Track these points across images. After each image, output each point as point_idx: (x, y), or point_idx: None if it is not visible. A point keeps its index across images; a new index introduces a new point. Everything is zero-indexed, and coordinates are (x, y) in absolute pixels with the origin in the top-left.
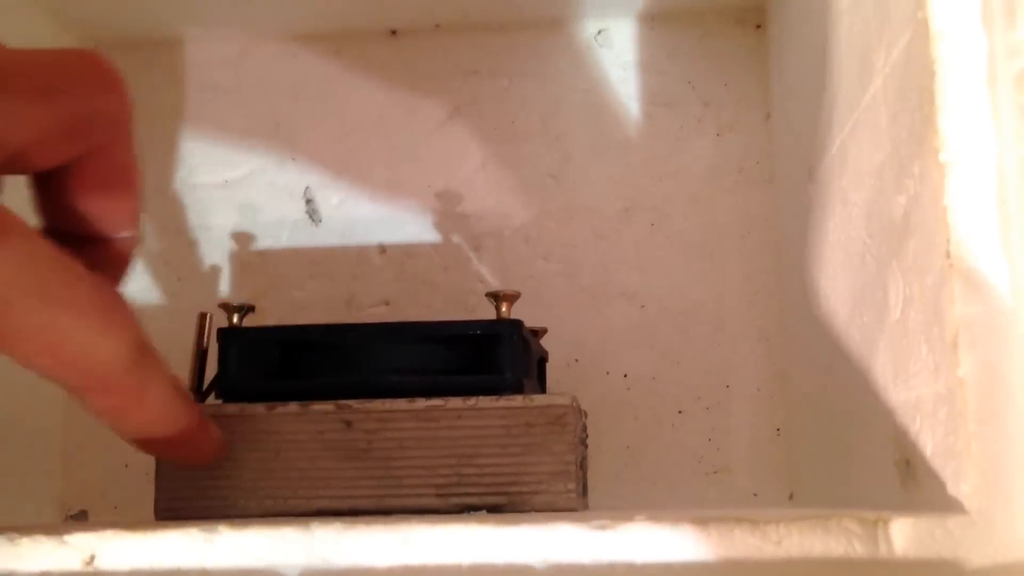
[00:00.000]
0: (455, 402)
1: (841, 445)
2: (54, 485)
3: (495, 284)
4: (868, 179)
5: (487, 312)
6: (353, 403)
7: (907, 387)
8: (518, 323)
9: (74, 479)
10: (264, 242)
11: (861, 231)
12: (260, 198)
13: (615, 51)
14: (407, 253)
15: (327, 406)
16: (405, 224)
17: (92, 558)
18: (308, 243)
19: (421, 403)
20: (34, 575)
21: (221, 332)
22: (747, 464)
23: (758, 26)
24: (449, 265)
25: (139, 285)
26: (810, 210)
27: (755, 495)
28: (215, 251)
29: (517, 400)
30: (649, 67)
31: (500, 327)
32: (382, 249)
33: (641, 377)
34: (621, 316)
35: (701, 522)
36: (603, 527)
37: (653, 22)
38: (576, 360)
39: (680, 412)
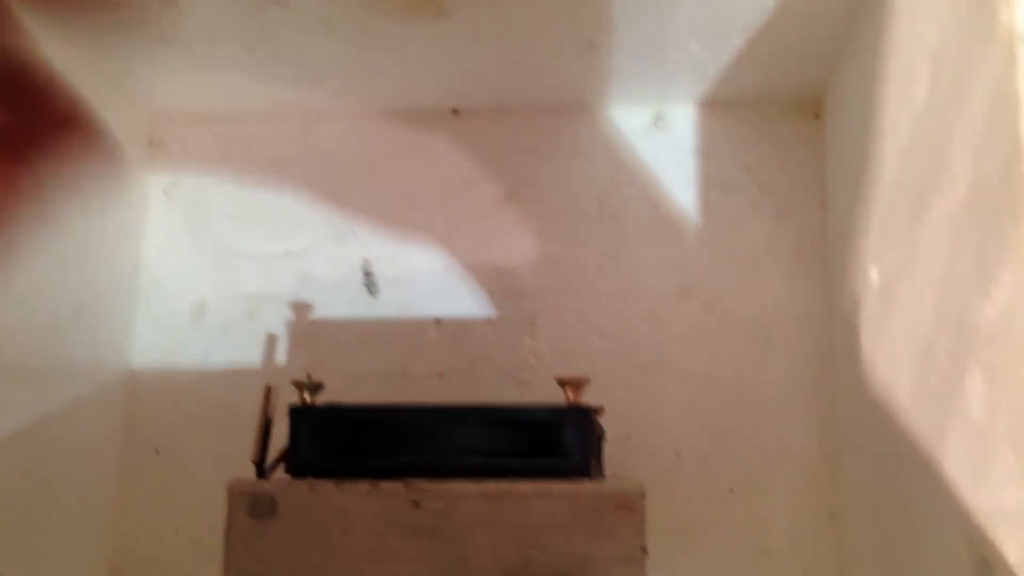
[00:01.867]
0: (523, 485)
1: (900, 534)
2: (105, 549)
3: (549, 361)
4: (943, 279)
5: (540, 387)
6: (422, 483)
7: (988, 490)
8: (587, 409)
9: (124, 543)
10: (322, 312)
11: (932, 328)
12: (319, 269)
13: (673, 135)
14: (462, 327)
15: (396, 485)
16: (461, 299)
17: None
18: (365, 314)
19: (489, 485)
20: None
21: (292, 409)
22: (797, 547)
23: (816, 115)
24: (504, 340)
25: (198, 350)
26: (870, 300)
27: None
28: (273, 319)
29: (585, 485)
30: (706, 151)
31: (570, 413)
32: (438, 322)
33: (693, 456)
34: (675, 395)
35: None
36: None
37: (712, 108)
38: (629, 437)
39: (731, 491)
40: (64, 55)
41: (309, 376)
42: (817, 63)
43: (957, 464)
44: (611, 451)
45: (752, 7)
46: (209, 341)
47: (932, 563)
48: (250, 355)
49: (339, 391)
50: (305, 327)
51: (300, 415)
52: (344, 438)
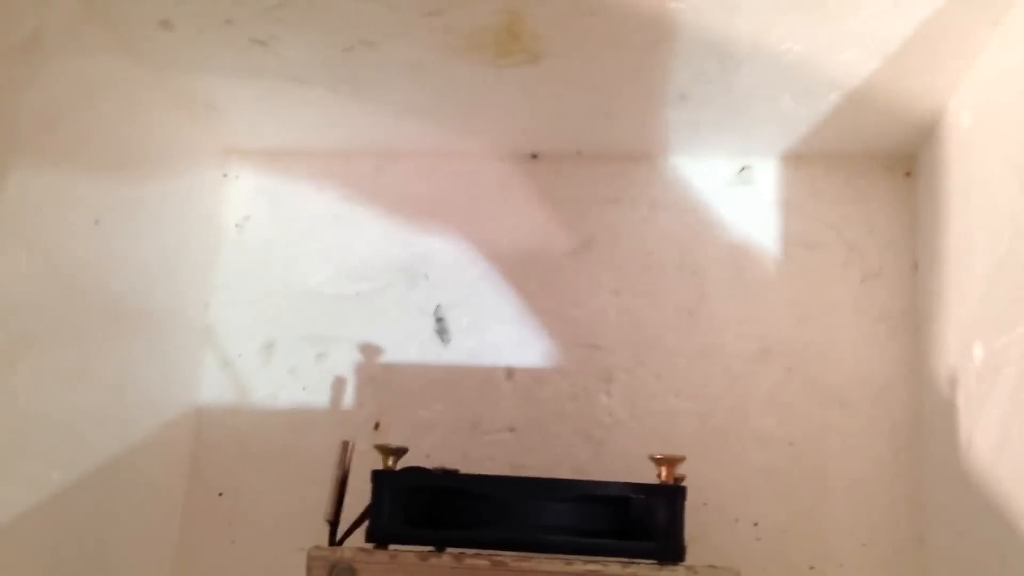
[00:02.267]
0: (614, 567)
1: None
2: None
3: (623, 419)
4: None
5: (615, 446)
6: (508, 559)
7: None
8: (682, 490)
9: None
10: (392, 356)
11: None
12: (390, 313)
13: (758, 188)
14: (535, 379)
15: (482, 561)
16: (535, 350)
17: None
18: (436, 361)
19: (579, 566)
20: None
21: (375, 474)
22: None
23: (907, 174)
24: (578, 395)
25: (265, 392)
26: (973, 378)
27: None
28: (342, 362)
29: (680, 571)
30: (792, 207)
31: (664, 492)
32: (510, 373)
33: (772, 528)
34: (754, 461)
35: None
36: None
37: (798, 162)
38: (705, 504)
39: (812, 568)
40: (148, 83)
41: (378, 425)
42: (913, 123)
43: None
44: (687, 519)
45: (853, 66)
46: (277, 381)
47: None
48: (318, 397)
49: (407, 439)
50: (374, 371)
51: (383, 480)
52: (427, 507)
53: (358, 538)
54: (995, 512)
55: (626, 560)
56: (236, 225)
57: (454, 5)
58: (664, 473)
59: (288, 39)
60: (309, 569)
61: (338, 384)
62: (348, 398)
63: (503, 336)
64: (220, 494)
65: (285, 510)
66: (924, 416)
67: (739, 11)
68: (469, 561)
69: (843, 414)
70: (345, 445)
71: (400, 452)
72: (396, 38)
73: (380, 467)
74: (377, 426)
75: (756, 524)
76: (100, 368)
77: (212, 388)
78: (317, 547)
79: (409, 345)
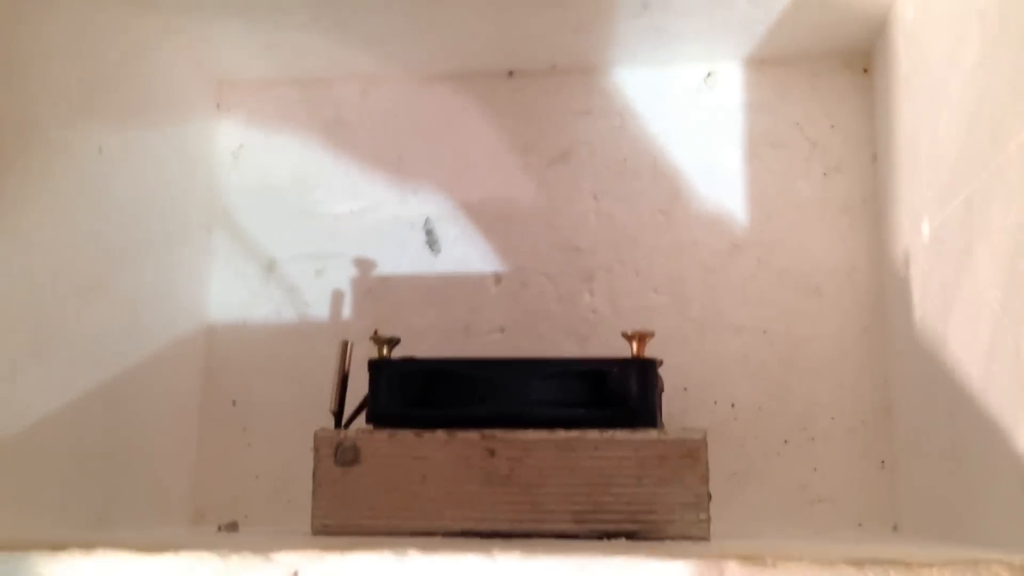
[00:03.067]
0: (593, 434)
1: (953, 481)
2: (188, 494)
3: (607, 315)
4: (1001, 237)
5: (599, 341)
6: (497, 432)
7: None
8: (652, 361)
9: (206, 488)
10: (386, 269)
11: (991, 285)
12: (382, 228)
13: (724, 92)
14: (521, 283)
15: (472, 435)
16: (520, 255)
17: (295, 573)
18: (428, 271)
19: (561, 434)
20: None
21: (372, 363)
22: (850, 495)
23: (864, 70)
24: (563, 296)
25: (269, 307)
26: (923, 255)
27: (860, 525)
28: (340, 277)
29: (652, 434)
30: (757, 108)
31: (636, 365)
32: (498, 279)
33: (748, 407)
34: (729, 348)
35: (857, 564)
36: (767, 565)
37: (761, 65)
38: (685, 389)
39: (786, 442)
40: (142, 23)
41: (377, 332)
42: (865, 20)
43: (1012, 416)
44: (668, 403)
45: None
46: (279, 298)
47: (985, 506)
48: (318, 311)
49: (404, 343)
50: (370, 284)
51: (380, 368)
52: (421, 390)
53: (359, 425)
54: (948, 377)
55: (604, 429)
56: (232, 153)
57: None
58: (635, 348)
59: None
60: (316, 448)
61: (337, 297)
62: (347, 310)
63: (489, 244)
64: (234, 402)
65: (294, 414)
66: (886, 297)
67: None
68: (461, 435)
69: (811, 300)
70: (345, 345)
71: (394, 342)
72: None
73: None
74: (375, 333)
75: (733, 405)
76: (114, 285)
77: (220, 306)
78: (323, 428)
79: (401, 258)
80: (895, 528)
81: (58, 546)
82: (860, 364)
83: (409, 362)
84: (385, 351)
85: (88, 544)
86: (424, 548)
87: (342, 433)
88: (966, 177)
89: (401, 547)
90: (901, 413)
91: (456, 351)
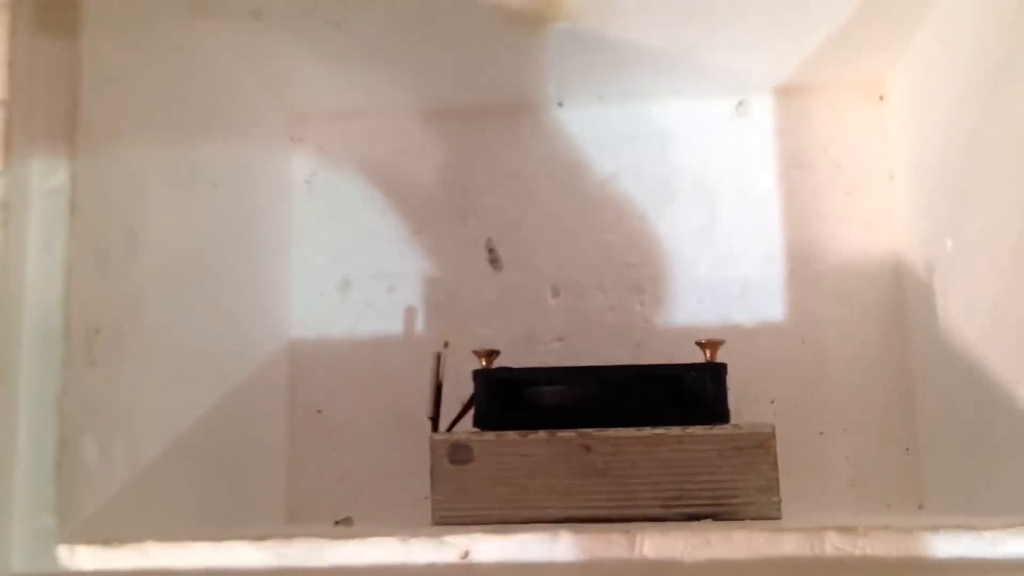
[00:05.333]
0: (675, 430)
1: (975, 463)
2: (282, 496)
3: (656, 324)
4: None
5: (649, 348)
6: (591, 431)
7: None
8: (724, 366)
9: (298, 490)
10: (452, 286)
11: (1014, 290)
12: (448, 248)
13: (754, 119)
14: (577, 295)
15: (570, 434)
16: (575, 270)
17: (467, 553)
18: (491, 287)
19: (647, 431)
20: (422, 566)
21: (476, 373)
22: (879, 480)
23: (880, 97)
24: (615, 306)
25: (347, 323)
26: (944, 264)
27: (889, 505)
28: (410, 294)
29: (727, 428)
30: (785, 133)
31: (711, 369)
32: (555, 292)
33: (786, 403)
34: (768, 349)
35: (933, 529)
36: (859, 534)
37: (788, 94)
38: (730, 388)
39: (821, 433)
40: (231, 59)
41: (447, 344)
42: (881, 53)
43: None
44: None
45: (834, 9)
46: (355, 314)
47: (1003, 486)
48: (391, 325)
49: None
50: (438, 299)
51: (482, 377)
52: (520, 396)
53: (465, 428)
54: (967, 372)
55: (683, 425)
56: (305, 181)
57: None
58: (708, 354)
59: (357, 19)
60: (433, 450)
61: (408, 312)
62: (419, 323)
63: (547, 261)
64: (319, 411)
65: (374, 421)
66: (907, 303)
67: None
68: (560, 435)
69: (840, 306)
70: (437, 355)
71: (494, 354)
72: (451, 14)
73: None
74: (446, 344)
75: (772, 402)
76: (215, 304)
77: (300, 324)
78: (440, 433)
79: (466, 275)
80: (921, 507)
81: (262, 536)
82: (885, 363)
83: (508, 371)
84: (485, 363)
85: (261, 536)
86: (574, 530)
87: (454, 435)
88: (981, 193)
89: (553, 530)
90: (922, 405)
91: (519, 359)
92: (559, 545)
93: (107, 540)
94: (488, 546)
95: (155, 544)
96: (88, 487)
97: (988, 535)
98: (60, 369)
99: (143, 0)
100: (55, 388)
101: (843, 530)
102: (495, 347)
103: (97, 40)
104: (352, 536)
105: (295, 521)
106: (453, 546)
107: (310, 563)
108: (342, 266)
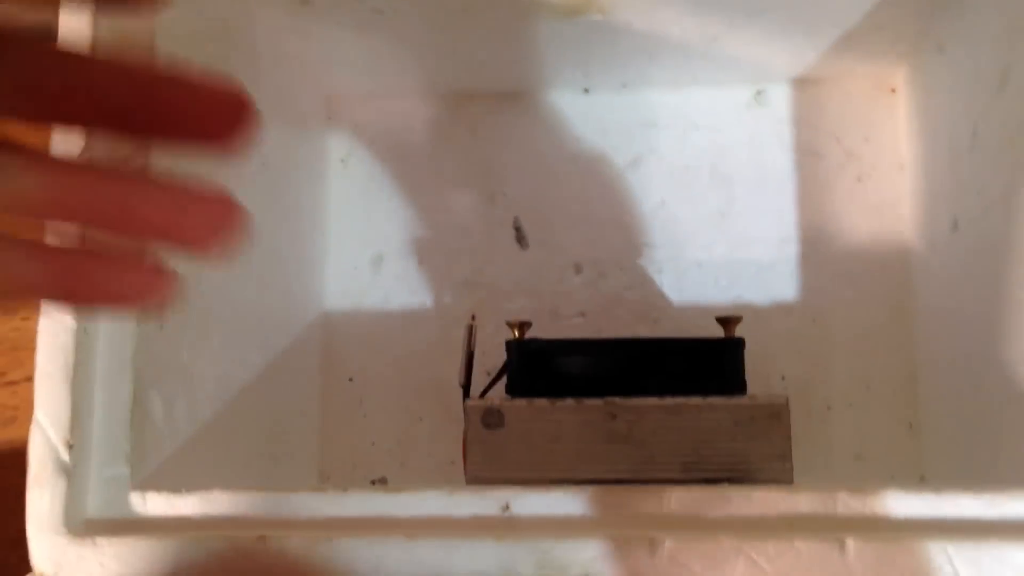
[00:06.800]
0: (695, 400)
1: (971, 440)
2: (314, 458)
3: (674, 300)
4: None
5: (668, 323)
6: (616, 399)
7: None
8: (742, 341)
9: (329, 453)
10: (480, 262)
11: (1015, 274)
12: (476, 225)
13: (771, 108)
14: (599, 273)
15: (596, 402)
16: (597, 249)
17: (507, 506)
18: (517, 263)
19: (669, 400)
20: (466, 517)
21: (509, 343)
22: (883, 454)
23: (892, 90)
24: (635, 284)
25: (378, 297)
26: (949, 249)
27: (892, 477)
28: (439, 269)
29: (744, 399)
30: (800, 122)
31: (730, 343)
32: (578, 268)
33: (796, 379)
34: (780, 328)
35: (937, 491)
36: (869, 493)
37: (803, 85)
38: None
39: (828, 408)
40: (274, 40)
41: (474, 317)
42: (895, 48)
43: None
44: None
45: (849, 7)
46: (387, 286)
47: (999, 460)
48: (421, 298)
49: (499, 326)
50: (466, 274)
51: (515, 347)
52: (550, 365)
53: (497, 394)
54: (968, 352)
55: (703, 395)
56: (341, 160)
57: None
58: (727, 330)
59: (400, 8)
60: (467, 414)
61: (439, 286)
62: (448, 297)
63: (571, 240)
64: (350, 379)
65: (403, 390)
66: (912, 285)
67: None
68: (587, 402)
69: (849, 287)
70: (470, 327)
71: (526, 325)
72: (493, 4)
73: (509, 338)
74: (474, 318)
75: (783, 378)
76: (257, 277)
77: (333, 296)
78: (472, 398)
79: (494, 251)
80: (922, 479)
81: (318, 488)
82: (890, 342)
83: (540, 342)
84: (517, 333)
85: (318, 488)
86: (606, 488)
87: (488, 400)
88: (988, 184)
89: (585, 487)
90: (924, 382)
91: (543, 332)
92: (592, 500)
93: (176, 488)
94: (527, 500)
95: (221, 492)
96: (155, 440)
97: (987, 496)
98: (135, 330)
99: None
100: (131, 347)
101: (853, 490)
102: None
103: (163, 20)
104: (401, 490)
105: (328, 482)
106: (495, 499)
107: (365, 512)
108: (375, 242)
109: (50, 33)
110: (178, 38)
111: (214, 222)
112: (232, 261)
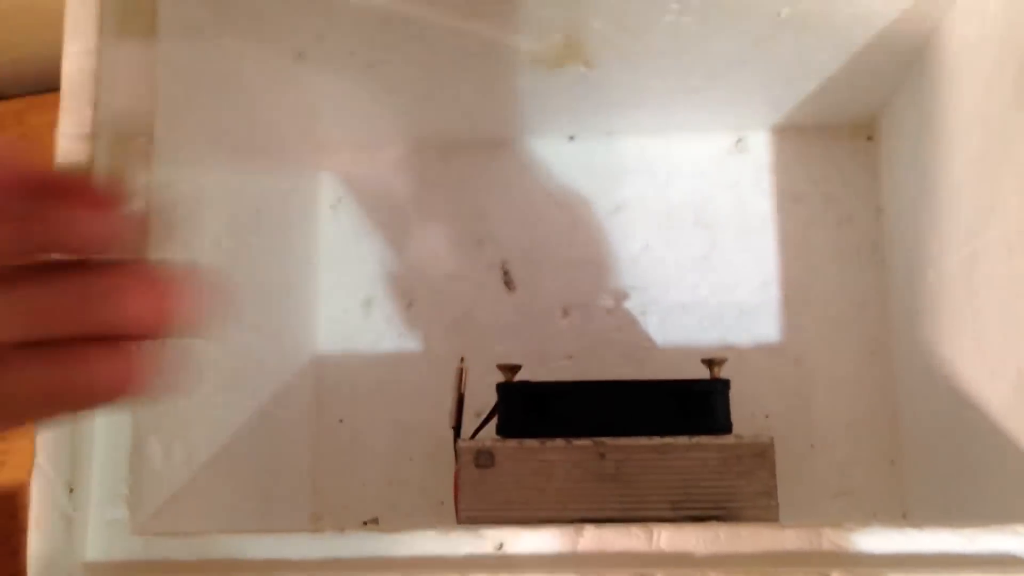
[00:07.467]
0: (683, 439)
1: (952, 477)
2: (307, 500)
3: (658, 342)
4: (1002, 280)
5: (653, 365)
6: (605, 439)
7: None
8: (727, 382)
9: (322, 494)
10: (468, 304)
11: (993, 320)
12: (464, 269)
13: (752, 155)
14: (586, 316)
15: (585, 442)
16: (583, 293)
17: (501, 545)
18: (505, 306)
19: (657, 440)
20: (460, 557)
21: (499, 385)
22: (866, 489)
23: (869, 138)
24: (622, 326)
25: (369, 340)
26: (929, 294)
27: (874, 514)
28: (429, 312)
29: (730, 438)
30: (780, 169)
31: (716, 384)
32: (565, 312)
33: (780, 418)
34: (763, 369)
35: (919, 526)
36: (851, 530)
37: (783, 132)
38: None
39: (812, 446)
40: (269, 91)
41: (463, 360)
42: (872, 97)
43: (1011, 419)
44: None
45: (828, 57)
46: (377, 330)
47: (979, 497)
48: (411, 342)
49: (488, 368)
50: (456, 317)
51: (505, 389)
52: (540, 407)
53: (487, 435)
54: (948, 392)
55: (690, 435)
56: (331, 206)
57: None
58: (713, 370)
59: (392, 61)
60: (459, 455)
61: (427, 329)
62: (436, 340)
63: (558, 283)
64: (341, 420)
65: (393, 431)
66: (892, 327)
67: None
68: (576, 442)
69: (829, 329)
70: (460, 370)
71: (515, 368)
72: (480, 57)
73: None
74: (463, 360)
75: (767, 416)
76: (251, 322)
77: (325, 339)
78: (465, 439)
79: (482, 295)
80: (904, 516)
81: (317, 529)
82: (871, 382)
83: (529, 384)
84: (508, 376)
85: (317, 529)
86: (597, 526)
87: (479, 442)
88: (970, 230)
89: (578, 526)
90: (906, 421)
91: (531, 375)
92: (584, 538)
93: (173, 530)
94: (520, 539)
95: (220, 535)
96: (153, 484)
97: (967, 532)
98: None
99: (202, 44)
100: None
101: (837, 527)
102: (510, 362)
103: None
104: (395, 530)
105: (321, 523)
106: (488, 539)
107: (362, 553)
108: (365, 286)
109: None
110: (176, 86)
111: (177, 305)
112: (213, 333)
